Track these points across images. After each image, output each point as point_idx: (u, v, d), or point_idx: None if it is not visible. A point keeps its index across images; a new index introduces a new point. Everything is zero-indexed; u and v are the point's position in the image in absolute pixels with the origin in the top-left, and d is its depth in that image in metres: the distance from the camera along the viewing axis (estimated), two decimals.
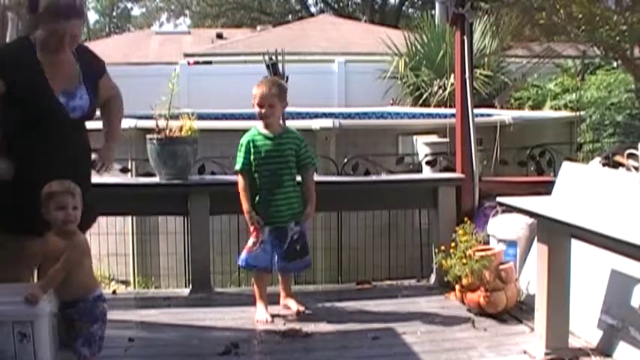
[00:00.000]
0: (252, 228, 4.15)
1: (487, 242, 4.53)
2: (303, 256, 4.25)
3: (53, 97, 3.30)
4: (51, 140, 3.28)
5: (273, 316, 4.14)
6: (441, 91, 11.32)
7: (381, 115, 10.00)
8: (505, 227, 4.55)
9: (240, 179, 4.14)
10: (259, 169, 4.11)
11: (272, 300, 4.31)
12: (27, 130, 3.26)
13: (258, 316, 4.13)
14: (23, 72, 3.25)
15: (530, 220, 4.29)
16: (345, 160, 5.40)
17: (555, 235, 3.45)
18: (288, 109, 4.42)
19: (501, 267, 4.13)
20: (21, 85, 3.21)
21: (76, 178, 3.18)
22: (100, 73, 3.55)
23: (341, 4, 32.53)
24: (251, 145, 4.11)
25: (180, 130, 4.61)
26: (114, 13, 42.24)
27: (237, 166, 4.14)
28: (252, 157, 4.11)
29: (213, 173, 5.08)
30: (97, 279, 3.65)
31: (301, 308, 4.25)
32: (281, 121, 4.41)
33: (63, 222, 3.02)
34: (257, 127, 4.18)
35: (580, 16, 8.48)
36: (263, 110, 4.10)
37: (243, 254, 4.19)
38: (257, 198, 4.13)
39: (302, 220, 4.21)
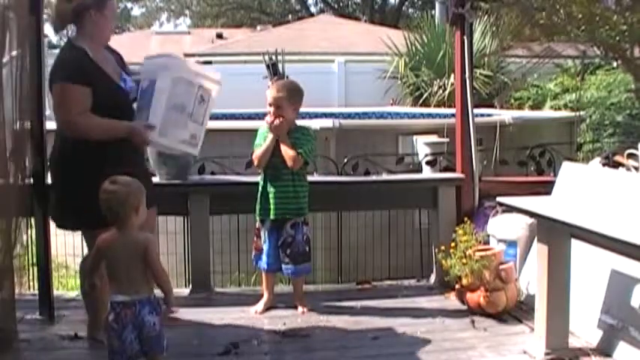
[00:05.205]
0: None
1: (487, 242, 4.53)
2: (295, 262, 4.23)
3: (119, 86, 3.53)
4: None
5: (269, 308, 4.26)
6: (441, 91, 11.33)
7: (381, 115, 9.97)
8: (505, 227, 4.55)
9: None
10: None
11: (280, 300, 4.36)
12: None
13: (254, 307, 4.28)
14: (92, 76, 3.42)
15: (530, 220, 4.29)
16: (345, 160, 5.39)
17: (555, 235, 3.45)
18: None
19: (501, 267, 4.13)
20: (95, 88, 3.40)
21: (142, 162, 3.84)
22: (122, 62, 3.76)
23: (341, 4, 32.49)
24: (261, 138, 4.27)
25: None
26: None
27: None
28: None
29: (213, 173, 5.08)
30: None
31: (301, 309, 4.27)
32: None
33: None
34: None
35: (580, 16, 8.49)
36: (272, 109, 4.21)
37: (262, 257, 4.28)
38: (260, 190, 4.24)
39: (298, 217, 4.22)
